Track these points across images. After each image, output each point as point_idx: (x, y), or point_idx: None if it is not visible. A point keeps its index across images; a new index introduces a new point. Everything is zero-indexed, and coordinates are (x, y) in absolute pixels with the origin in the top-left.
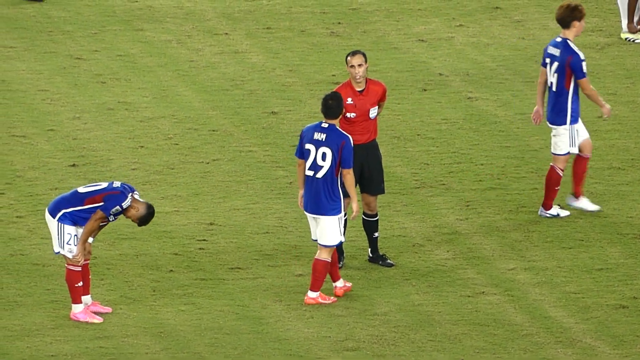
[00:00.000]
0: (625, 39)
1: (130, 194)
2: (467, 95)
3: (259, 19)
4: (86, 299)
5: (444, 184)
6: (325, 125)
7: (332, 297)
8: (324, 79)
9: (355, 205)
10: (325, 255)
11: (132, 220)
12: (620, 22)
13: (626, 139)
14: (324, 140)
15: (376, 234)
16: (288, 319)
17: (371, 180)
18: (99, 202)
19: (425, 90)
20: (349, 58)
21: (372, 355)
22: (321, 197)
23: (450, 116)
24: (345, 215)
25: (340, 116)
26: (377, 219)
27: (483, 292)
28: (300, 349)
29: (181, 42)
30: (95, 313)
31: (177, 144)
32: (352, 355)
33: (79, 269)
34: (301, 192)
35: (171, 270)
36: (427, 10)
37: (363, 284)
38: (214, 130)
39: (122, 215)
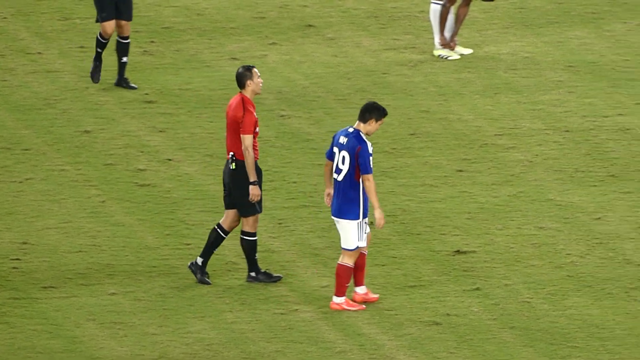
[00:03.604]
0: (438, 55)
1: None
2: (280, 113)
3: (72, 38)
4: None
5: None
6: (350, 129)
7: (361, 305)
8: (137, 98)
9: (377, 212)
10: (346, 260)
11: None
12: (433, 39)
13: (439, 156)
14: (344, 144)
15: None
16: (102, 337)
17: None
18: None
19: None
20: (255, 69)
21: None
22: (341, 200)
23: (262, 134)
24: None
25: (370, 121)
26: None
27: (296, 309)
28: None
29: None
30: None
31: None
32: None
33: None
34: (327, 190)
35: None
36: (240, 29)
37: (177, 302)
38: (26, 150)
39: None
